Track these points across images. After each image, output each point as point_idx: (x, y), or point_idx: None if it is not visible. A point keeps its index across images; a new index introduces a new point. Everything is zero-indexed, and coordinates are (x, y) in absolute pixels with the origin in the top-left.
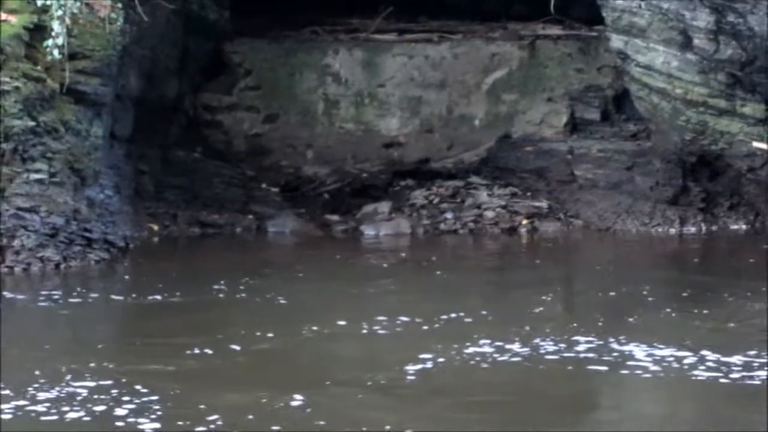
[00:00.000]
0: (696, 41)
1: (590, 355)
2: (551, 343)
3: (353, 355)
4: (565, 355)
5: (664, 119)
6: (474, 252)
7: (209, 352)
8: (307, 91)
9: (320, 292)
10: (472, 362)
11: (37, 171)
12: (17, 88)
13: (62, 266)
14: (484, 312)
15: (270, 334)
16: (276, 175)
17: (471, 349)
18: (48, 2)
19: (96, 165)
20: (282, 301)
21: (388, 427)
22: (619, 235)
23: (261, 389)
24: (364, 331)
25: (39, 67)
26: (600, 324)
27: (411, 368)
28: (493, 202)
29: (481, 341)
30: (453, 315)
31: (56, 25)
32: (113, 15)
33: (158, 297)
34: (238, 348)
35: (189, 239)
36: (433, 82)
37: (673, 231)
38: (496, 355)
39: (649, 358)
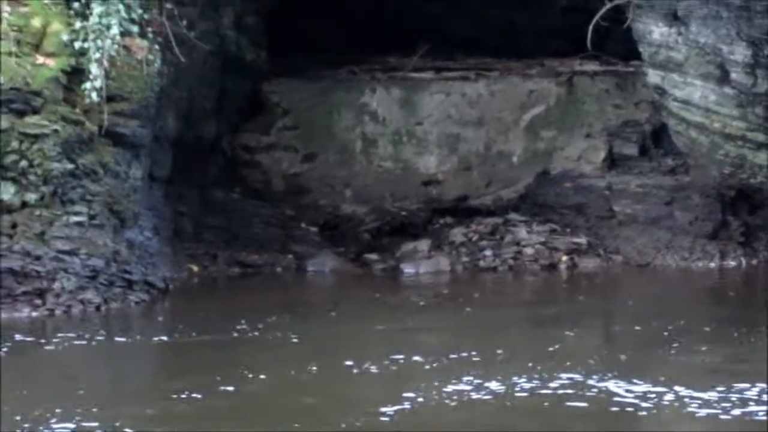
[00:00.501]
0: (733, 75)
1: (569, 391)
2: (537, 380)
3: (339, 395)
4: (542, 391)
5: (703, 153)
6: (511, 289)
7: (197, 395)
8: (345, 129)
9: (342, 330)
10: (448, 401)
11: (77, 213)
12: (56, 131)
13: (102, 308)
14: (499, 350)
15: (263, 376)
16: (315, 214)
17: (451, 388)
18: (86, 45)
19: (135, 207)
20: (294, 340)
21: None
22: (659, 270)
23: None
24: (364, 370)
25: (77, 110)
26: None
27: (389, 409)
28: (532, 238)
29: (467, 378)
30: (464, 353)
31: (94, 68)
32: (150, 57)
33: (164, 338)
34: (229, 389)
35: (229, 279)
36: (471, 120)
37: (713, 265)
38: (472, 394)
39: (629, 394)
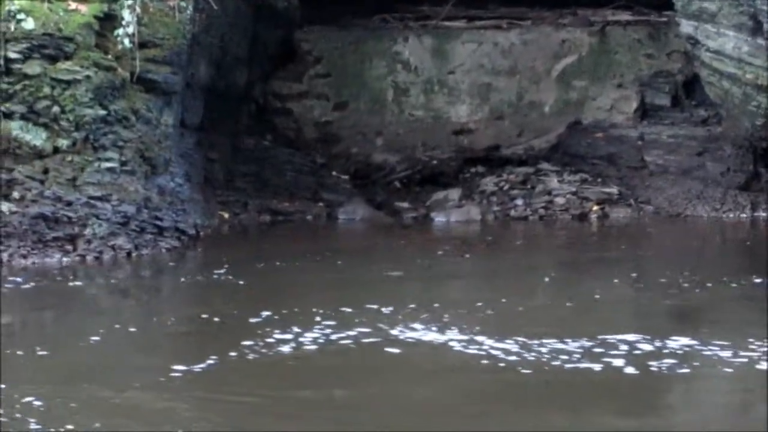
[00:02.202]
0: (766, 26)
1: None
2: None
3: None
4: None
5: (735, 104)
6: (538, 237)
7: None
8: (376, 78)
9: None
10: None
11: (108, 159)
12: (88, 77)
13: (133, 254)
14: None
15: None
16: (346, 162)
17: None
18: None
19: (166, 153)
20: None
21: None
22: (689, 220)
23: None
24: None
25: (109, 56)
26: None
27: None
28: (563, 188)
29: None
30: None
31: (126, 14)
32: (183, 3)
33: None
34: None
35: (259, 227)
36: (503, 69)
37: (744, 216)
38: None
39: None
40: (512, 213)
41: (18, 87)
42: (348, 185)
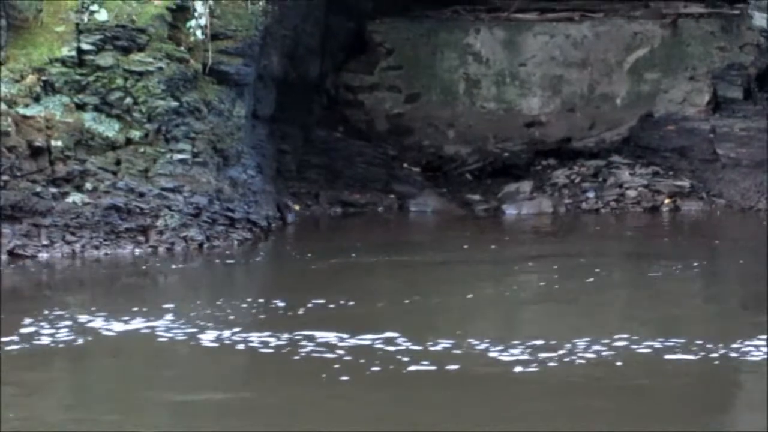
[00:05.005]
0: None
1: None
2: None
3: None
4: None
5: None
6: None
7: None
8: (448, 70)
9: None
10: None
11: (181, 151)
12: (161, 68)
13: (205, 246)
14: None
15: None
16: (417, 154)
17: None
18: None
19: (238, 145)
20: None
21: None
22: (762, 214)
23: None
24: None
25: (182, 48)
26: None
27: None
28: (635, 181)
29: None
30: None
31: (199, 6)
32: None
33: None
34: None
35: (330, 218)
36: (575, 61)
37: None
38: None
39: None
40: (583, 206)
41: (91, 78)
42: (419, 177)
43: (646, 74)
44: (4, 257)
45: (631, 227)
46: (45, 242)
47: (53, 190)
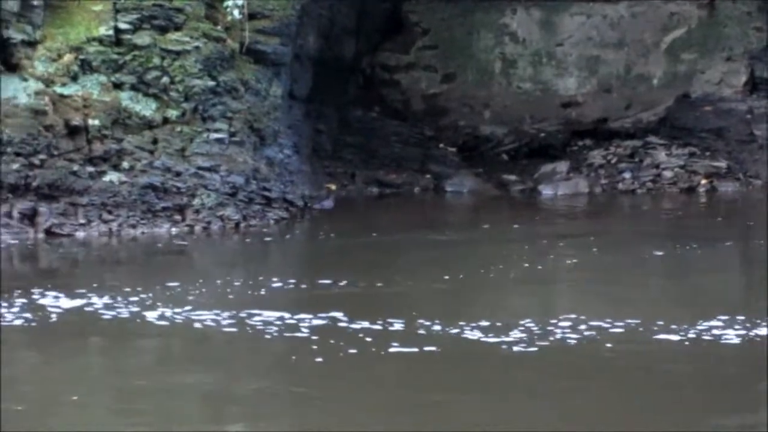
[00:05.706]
0: None
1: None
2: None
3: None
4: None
5: None
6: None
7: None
8: (484, 50)
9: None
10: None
11: (217, 130)
12: (198, 48)
13: (242, 225)
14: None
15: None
16: (453, 134)
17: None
18: None
19: (275, 124)
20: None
21: None
22: None
23: None
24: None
25: (219, 27)
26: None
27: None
28: (671, 161)
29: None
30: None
31: None
32: None
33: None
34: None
35: (366, 198)
36: (611, 42)
37: None
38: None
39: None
40: (620, 186)
41: (128, 57)
42: (455, 157)
43: (682, 55)
44: (41, 235)
45: (667, 208)
46: (82, 221)
47: (90, 169)
